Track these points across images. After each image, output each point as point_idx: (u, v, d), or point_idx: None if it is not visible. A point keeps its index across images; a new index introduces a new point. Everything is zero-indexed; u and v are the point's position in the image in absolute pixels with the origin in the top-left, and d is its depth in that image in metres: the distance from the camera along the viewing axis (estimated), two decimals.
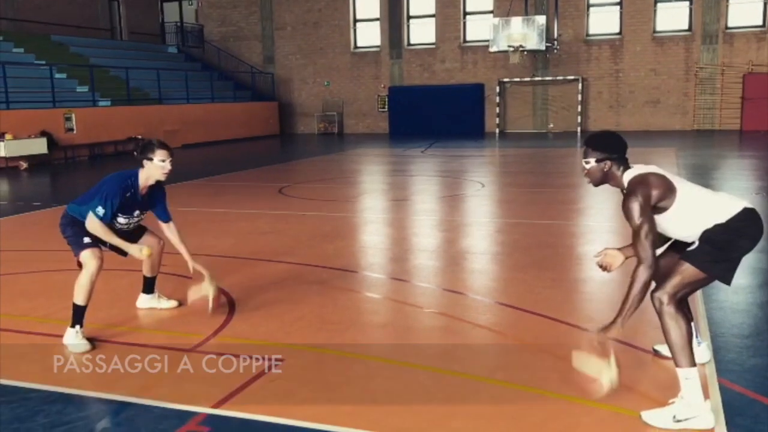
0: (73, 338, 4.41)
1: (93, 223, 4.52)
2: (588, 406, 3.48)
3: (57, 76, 20.75)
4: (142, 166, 4.64)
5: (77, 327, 4.44)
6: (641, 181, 3.39)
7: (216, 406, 3.55)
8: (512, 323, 4.90)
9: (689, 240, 3.46)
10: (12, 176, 15.75)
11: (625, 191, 3.44)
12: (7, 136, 17.00)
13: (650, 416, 3.28)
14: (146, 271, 5.13)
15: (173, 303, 5.23)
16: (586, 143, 3.59)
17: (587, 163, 3.55)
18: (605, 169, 3.52)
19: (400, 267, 6.68)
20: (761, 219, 3.43)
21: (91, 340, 4.45)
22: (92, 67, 22.14)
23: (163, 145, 4.64)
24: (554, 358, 4.14)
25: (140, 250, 4.65)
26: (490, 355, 4.34)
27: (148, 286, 5.19)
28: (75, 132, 19.35)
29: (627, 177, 3.46)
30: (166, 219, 4.97)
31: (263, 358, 4.15)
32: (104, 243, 4.67)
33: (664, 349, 4.06)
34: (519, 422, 3.36)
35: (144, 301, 5.23)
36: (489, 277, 6.39)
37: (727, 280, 3.41)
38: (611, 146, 3.53)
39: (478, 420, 3.38)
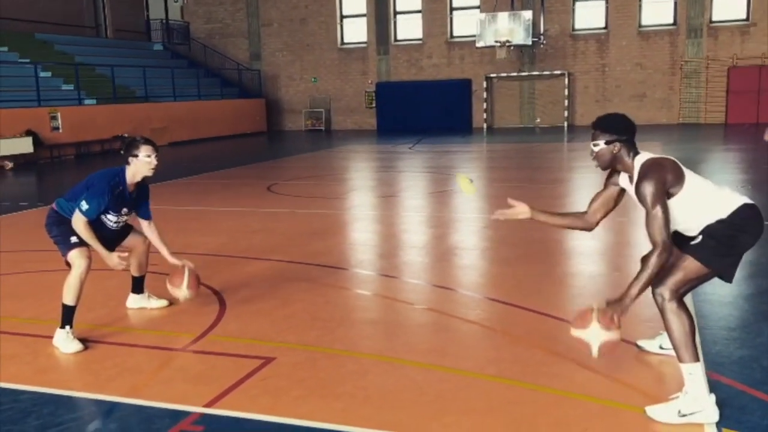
0: (64, 339, 4.39)
1: (78, 222, 4.49)
2: (578, 399, 3.52)
3: (42, 74, 20.59)
4: (127, 163, 4.62)
5: (67, 328, 4.42)
6: (655, 163, 3.34)
7: (208, 405, 3.56)
8: (502, 318, 4.92)
9: (689, 232, 3.45)
10: None
11: (638, 175, 3.37)
12: None
13: (655, 411, 3.28)
14: (134, 271, 5.11)
15: (163, 302, 5.21)
16: (595, 125, 3.51)
17: (596, 145, 3.48)
18: (615, 152, 3.45)
19: (390, 263, 6.69)
20: (761, 215, 3.41)
21: (82, 340, 4.44)
22: (77, 66, 21.99)
23: (147, 141, 4.64)
24: (545, 352, 4.17)
25: (118, 262, 4.62)
26: (481, 350, 4.37)
27: (137, 286, 5.18)
28: (61, 131, 19.22)
29: (639, 161, 3.41)
30: (148, 217, 4.97)
31: (254, 357, 4.17)
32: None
33: (647, 345, 4.09)
34: (510, 417, 3.39)
35: (133, 300, 5.21)
36: (478, 273, 6.42)
37: (729, 277, 3.39)
38: (621, 128, 3.46)
39: (470, 415, 3.40)
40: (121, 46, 27.88)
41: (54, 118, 19.12)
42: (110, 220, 4.67)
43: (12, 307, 5.36)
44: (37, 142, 18.08)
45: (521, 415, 3.39)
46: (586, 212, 3.79)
